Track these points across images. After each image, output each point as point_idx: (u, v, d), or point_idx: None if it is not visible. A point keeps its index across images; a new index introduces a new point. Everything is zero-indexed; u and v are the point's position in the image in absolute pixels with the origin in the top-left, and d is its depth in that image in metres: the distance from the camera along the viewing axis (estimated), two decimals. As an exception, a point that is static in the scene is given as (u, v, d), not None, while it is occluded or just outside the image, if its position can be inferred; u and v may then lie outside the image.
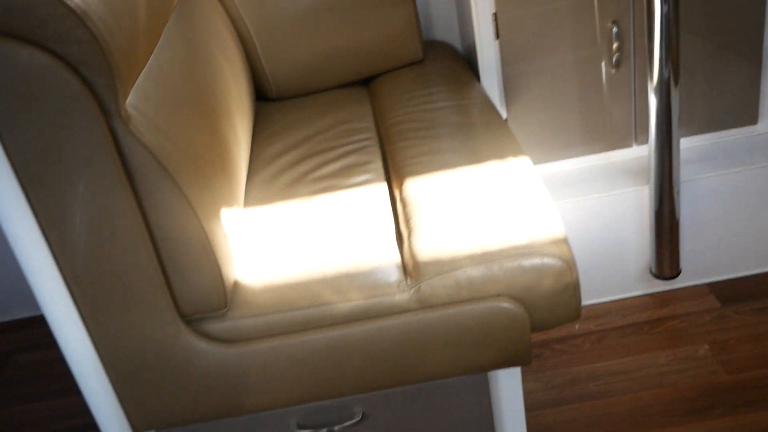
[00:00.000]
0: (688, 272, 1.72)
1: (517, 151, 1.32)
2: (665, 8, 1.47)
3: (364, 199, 1.28)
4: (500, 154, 1.31)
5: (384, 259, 1.13)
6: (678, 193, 1.61)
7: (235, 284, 1.12)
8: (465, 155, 1.33)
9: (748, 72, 1.68)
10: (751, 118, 1.73)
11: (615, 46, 1.64)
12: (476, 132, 1.42)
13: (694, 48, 1.65)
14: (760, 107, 1.72)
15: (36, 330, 2.06)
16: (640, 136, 1.72)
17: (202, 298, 1.04)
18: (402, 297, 1.07)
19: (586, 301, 1.73)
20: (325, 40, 1.69)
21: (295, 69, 1.71)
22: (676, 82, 1.54)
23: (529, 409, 1.51)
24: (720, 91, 1.70)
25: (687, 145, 1.73)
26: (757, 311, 1.65)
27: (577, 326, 1.69)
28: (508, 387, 1.17)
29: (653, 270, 1.70)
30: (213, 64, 1.35)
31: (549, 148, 1.72)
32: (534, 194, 1.20)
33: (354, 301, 1.07)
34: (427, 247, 1.11)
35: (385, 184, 1.33)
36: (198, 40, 1.33)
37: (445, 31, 1.87)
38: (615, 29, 1.63)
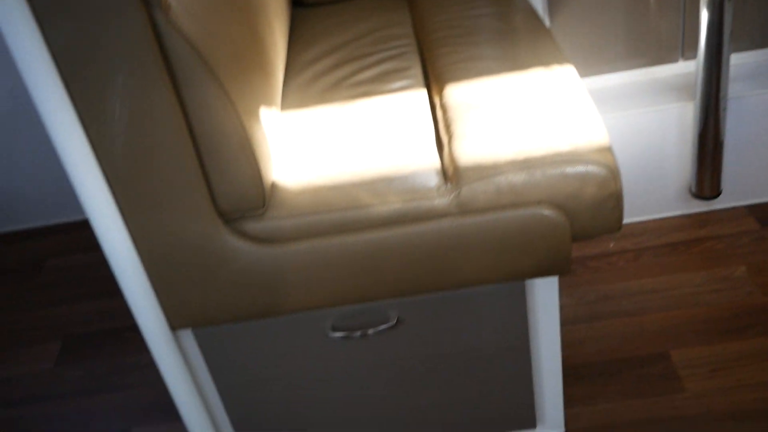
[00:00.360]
0: (728, 193, 1.69)
1: (561, 59, 1.28)
2: None
3: (403, 105, 1.25)
4: (544, 62, 1.27)
5: (423, 163, 1.11)
6: (724, 110, 1.56)
7: (273, 185, 1.11)
8: (507, 62, 1.29)
9: (805, -15, 1.61)
10: (806, 34, 1.66)
11: (666, -46, 1.57)
12: (519, 39, 1.37)
13: (751, -42, 1.58)
14: (817, 22, 1.65)
15: (71, 235, 2.09)
16: (688, 51, 1.66)
17: (240, 196, 1.04)
18: (441, 201, 1.06)
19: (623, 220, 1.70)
20: (363, -56, 1.63)
21: (331, -26, 1.66)
22: (730, -5, 1.47)
23: (562, 324, 1.51)
24: (774, 4, 1.63)
25: (735, 61, 1.67)
26: (798, 234, 1.62)
27: (612, 244, 1.67)
28: (545, 296, 1.16)
29: (693, 190, 1.67)
30: (250, -37, 1.31)
31: (592, 62, 1.67)
32: (578, 102, 1.16)
33: (392, 204, 1.06)
34: (469, 151, 1.09)
35: (424, 91, 1.30)
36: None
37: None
38: (668, -64, 1.55)
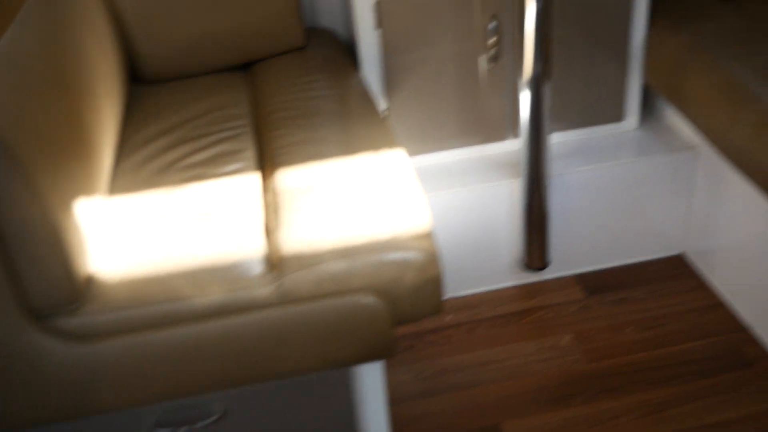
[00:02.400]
0: (557, 264, 1.78)
1: (391, 143, 1.32)
2: (539, 4, 1.51)
3: (235, 189, 1.25)
4: (375, 146, 1.31)
5: (248, 251, 1.11)
6: (547, 186, 1.66)
7: (90, 277, 1.07)
8: (340, 146, 1.32)
9: (615, 70, 1.75)
10: (617, 116, 1.80)
11: (493, 40, 1.67)
12: (353, 122, 1.41)
13: (568, 45, 1.70)
14: (625, 105, 1.79)
15: None
16: (516, 130, 1.76)
17: (50, 292, 1.00)
18: (263, 291, 1.06)
19: (458, 293, 1.76)
20: (202, 22, 1.63)
21: (171, 51, 1.65)
22: (548, 78, 1.58)
23: (401, 400, 1.53)
24: (589, 88, 1.76)
25: (558, 139, 1.78)
26: (618, 302, 1.73)
27: (448, 317, 1.72)
28: (370, 381, 1.18)
29: (524, 261, 1.75)
30: (78, 44, 1.29)
31: (427, 140, 1.74)
32: (404, 187, 1.20)
33: (213, 295, 1.05)
34: (293, 240, 1.10)
35: (257, 174, 1.30)
36: (62, 18, 1.27)
37: (330, 17, 1.84)
38: (494, 23, 1.65)
